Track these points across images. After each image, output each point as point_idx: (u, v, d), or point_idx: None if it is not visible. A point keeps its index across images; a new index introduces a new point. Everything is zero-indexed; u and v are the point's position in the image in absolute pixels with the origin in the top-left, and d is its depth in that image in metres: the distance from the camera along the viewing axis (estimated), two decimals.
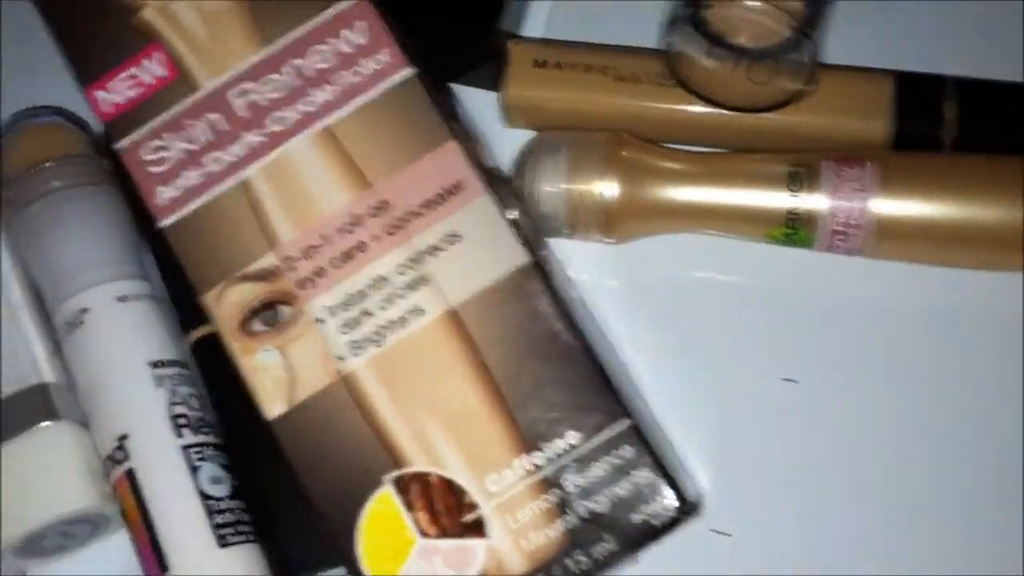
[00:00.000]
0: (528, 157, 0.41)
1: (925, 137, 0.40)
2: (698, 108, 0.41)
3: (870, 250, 0.39)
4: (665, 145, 0.41)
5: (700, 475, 0.39)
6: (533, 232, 0.38)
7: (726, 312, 0.42)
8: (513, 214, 0.35)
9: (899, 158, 0.40)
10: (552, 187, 0.40)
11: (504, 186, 0.39)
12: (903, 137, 0.40)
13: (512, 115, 0.43)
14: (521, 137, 0.43)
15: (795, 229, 0.40)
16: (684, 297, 0.42)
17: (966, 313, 0.40)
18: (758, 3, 0.39)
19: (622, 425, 0.34)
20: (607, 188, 0.40)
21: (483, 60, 0.43)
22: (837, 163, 0.39)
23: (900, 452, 0.39)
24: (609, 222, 0.40)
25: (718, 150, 0.42)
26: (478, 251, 0.35)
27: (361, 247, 0.35)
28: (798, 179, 0.39)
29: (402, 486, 0.34)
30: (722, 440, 0.40)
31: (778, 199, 0.39)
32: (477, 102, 0.44)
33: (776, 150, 0.40)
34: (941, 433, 0.39)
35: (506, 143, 0.43)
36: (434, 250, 0.35)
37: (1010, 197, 0.38)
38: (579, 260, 0.42)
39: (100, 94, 0.37)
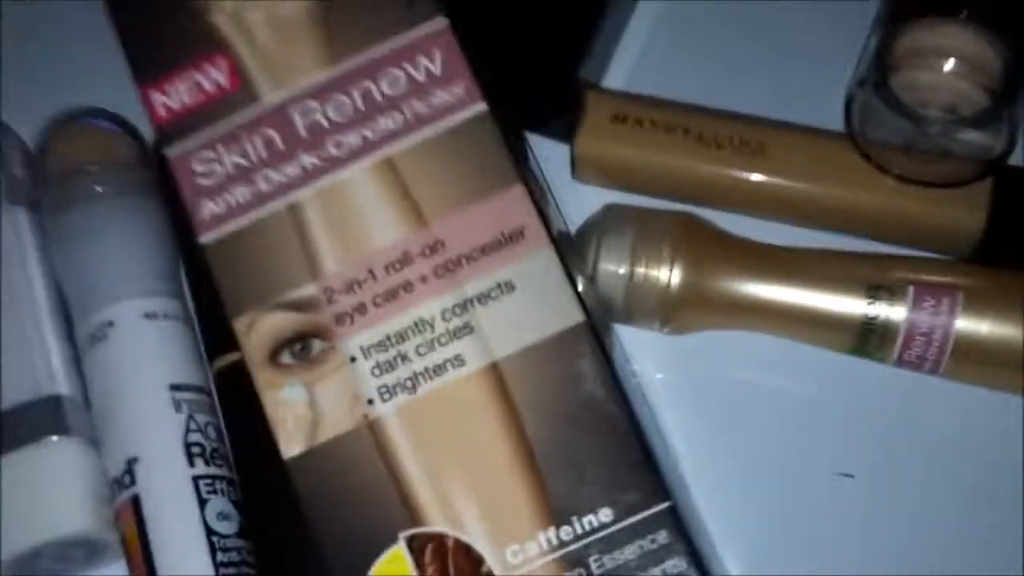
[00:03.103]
0: (593, 231, 0.38)
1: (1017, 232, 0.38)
2: (782, 182, 0.39)
3: (949, 372, 0.37)
4: (738, 236, 0.39)
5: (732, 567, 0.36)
6: (595, 305, 0.35)
7: (782, 417, 0.39)
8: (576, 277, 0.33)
9: (989, 280, 0.37)
10: (614, 268, 0.38)
11: (569, 247, 0.36)
12: (994, 231, 0.38)
13: (582, 169, 0.41)
14: (589, 194, 0.41)
15: (869, 341, 0.37)
16: (739, 397, 0.39)
17: None
18: (950, 71, 0.36)
19: (660, 508, 0.31)
20: (672, 276, 0.37)
21: (559, 109, 0.41)
22: (922, 288, 0.36)
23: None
24: (669, 312, 0.38)
25: (795, 246, 0.39)
26: (531, 304, 0.33)
27: (407, 287, 0.33)
28: (882, 293, 0.37)
29: (416, 546, 0.31)
30: (760, 533, 0.37)
31: (858, 307, 0.37)
32: (546, 153, 0.41)
33: (857, 253, 0.38)
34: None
35: (572, 199, 0.40)
36: (484, 298, 0.33)
37: None
38: (633, 348, 0.39)
39: (156, 96, 0.35)
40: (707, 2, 0.44)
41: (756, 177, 0.39)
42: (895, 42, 0.36)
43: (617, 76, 0.43)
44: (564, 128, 0.41)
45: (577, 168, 0.41)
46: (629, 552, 0.30)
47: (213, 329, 0.36)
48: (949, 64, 0.35)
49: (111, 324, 0.37)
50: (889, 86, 0.36)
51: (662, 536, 0.30)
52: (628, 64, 0.43)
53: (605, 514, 0.31)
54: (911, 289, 0.37)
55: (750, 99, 0.40)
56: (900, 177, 0.38)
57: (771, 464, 0.38)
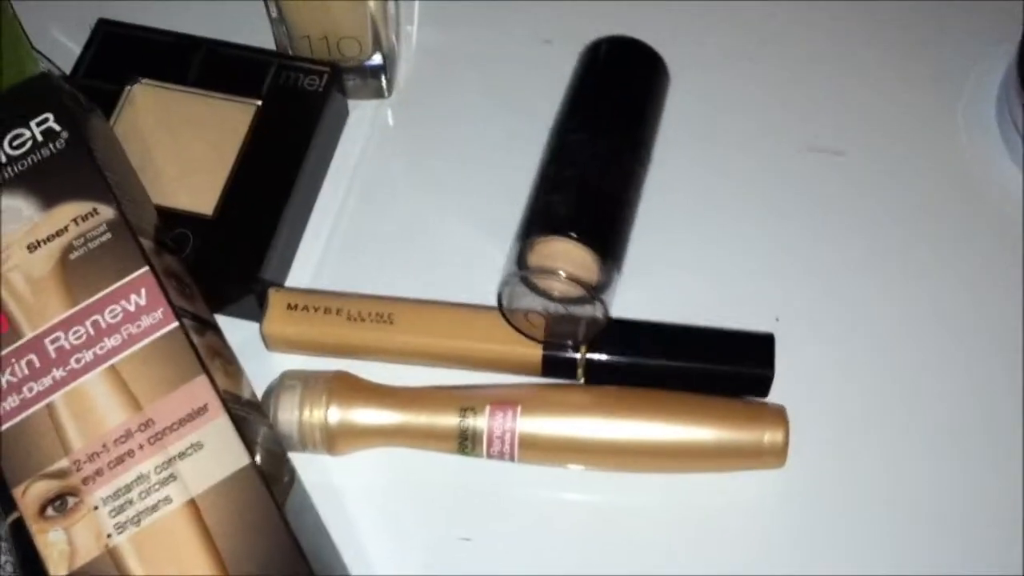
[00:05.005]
0: (272, 391, 0.55)
1: (565, 360, 0.56)
2: (404, 339, 0.56)
3: (519, 457, 0.54)
4: (375, 383, 0.56)
5: None
6: (277, 444, 0.52)
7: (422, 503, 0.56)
8: (258, 429, 0.50)
9: (538, 393, 0.55)
10: (288, 415, 0.54)
11: (256, 410, 0.53)
12: (550, 359, 0.56)
13: (270, 343, 0.58)
14: (280, 359, 0.57)
15: (466, 445, 0.54)
16: (395, 490, 0.56)
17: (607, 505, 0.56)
18: (563, 275, 0.53)
19: None
20: (329, 415, 0.54)
21: (254, 300, 0.59)
22: (494, 405, 0.54)
23: None
24: (330, 441, 0.54)
25: (413, 386, 0.56)
26: (214, 456, 0.49)
27: (130, 453, 0.49)
28: (469, 412, 0.54)
29: None
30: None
31: (454, 423, 0.54)
32: (248, 331, 0.58)
33: (454, 386, 0.55)
34: None
35: (266, 363, 0.57)
36: (183, 455, 0.49)
37: (611, 418, 0.53)
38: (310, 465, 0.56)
39: None
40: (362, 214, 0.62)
41: (387, 337, 0.56)
42: (530, 251, 0.54)
43: (303, 275, 0.61)
44: (259, 314, 0.58)
45: (267, 343, 0.58)
46: None
47: (4, 494, 0.52)
48: (566, 266, 0.53)
49: None
50: (529, 280, 0.54)
51: None
52: (310, 267, 0.62)
53: None
54: (488, 407, 0.54)
55: (400, 282, 0.59)
56: (535, 339, 0.55)
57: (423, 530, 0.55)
